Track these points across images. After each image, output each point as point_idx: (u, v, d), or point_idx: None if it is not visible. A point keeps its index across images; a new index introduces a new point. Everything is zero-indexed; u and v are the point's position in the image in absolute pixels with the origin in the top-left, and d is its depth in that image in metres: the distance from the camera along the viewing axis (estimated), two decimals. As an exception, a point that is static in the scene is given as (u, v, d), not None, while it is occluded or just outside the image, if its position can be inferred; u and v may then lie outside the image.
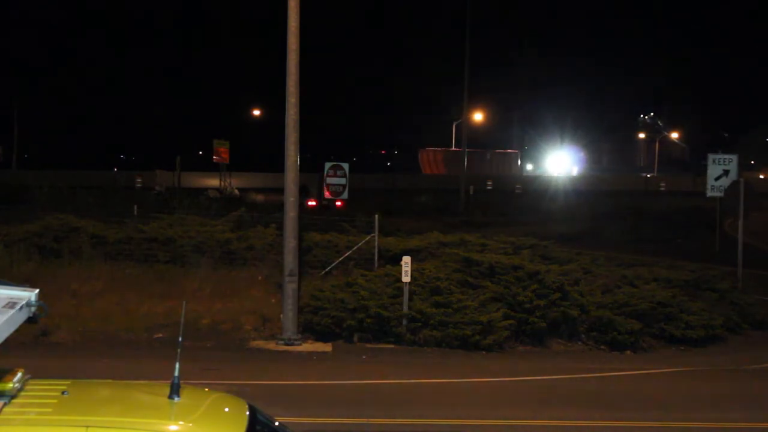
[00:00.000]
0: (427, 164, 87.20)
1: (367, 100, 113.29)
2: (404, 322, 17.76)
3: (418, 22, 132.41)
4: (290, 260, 17.66)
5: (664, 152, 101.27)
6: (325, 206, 35.74)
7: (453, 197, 51.32)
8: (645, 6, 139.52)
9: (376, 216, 21.63)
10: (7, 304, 5.08)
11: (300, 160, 18.06)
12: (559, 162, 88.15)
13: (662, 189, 67.03)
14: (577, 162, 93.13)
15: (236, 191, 55.78)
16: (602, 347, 18.33)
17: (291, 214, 17.80)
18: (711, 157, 28.36)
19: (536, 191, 60.66)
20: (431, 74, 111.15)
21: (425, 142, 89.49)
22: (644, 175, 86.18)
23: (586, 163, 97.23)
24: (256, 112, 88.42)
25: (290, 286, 17.53)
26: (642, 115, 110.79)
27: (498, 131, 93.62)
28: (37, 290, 5.32)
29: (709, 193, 28.33)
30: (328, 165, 29.88)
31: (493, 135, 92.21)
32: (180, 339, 5.89)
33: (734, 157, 28.01)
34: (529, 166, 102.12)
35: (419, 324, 17.75)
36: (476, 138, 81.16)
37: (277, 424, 5.84)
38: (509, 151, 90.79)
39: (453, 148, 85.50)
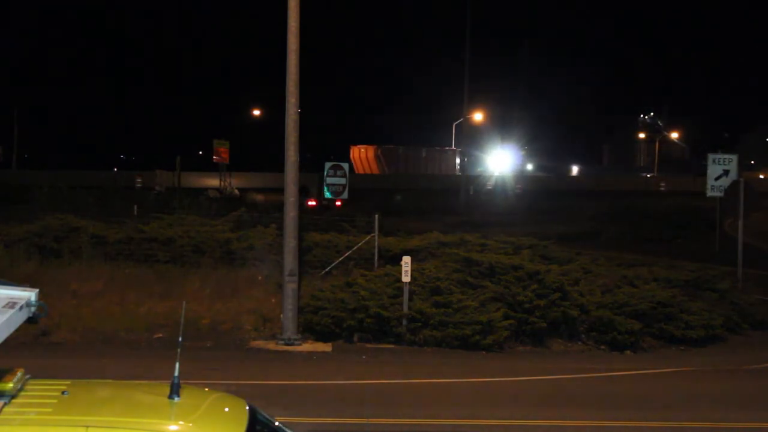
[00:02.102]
0: (359, 162, 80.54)
1: (366, 99, 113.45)
2: (404, 322, 17.76)
3: (417, 22, 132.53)
4: (290, 260, 17.66)
5: (664, 152, 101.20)
6: (325, 206, 35.73)
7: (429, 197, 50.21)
8: (646, 6, 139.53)
9: (377, 216, 21.64)
10: (7, 304, 5.08)
11: (300, 160, 18.06)
12: (500, 161, 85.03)
13: (662, 189, 67.02)
14: (517, 161, 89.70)
15: (236, 191, 55.79)
16: (602, 347, 18.33)
17: (291, 214, 17.80)
18: (711, 157, 28.35)
19: (476, 190, 58.78)
20: (431, 74, 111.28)
21: (424, 142, 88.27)
22: (644, 175, 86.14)
23: (522, 161, 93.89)
24: (256, 112, 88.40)
25: (290, 286, 17.53)
26: (642, 115, 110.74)
27: (494, 131, 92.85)
28: (37, 290, 5.32)
29: (709, 193, 28.32)
30: (328, 165, 29.86)
31: (490, 135, 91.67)
32: (180, 339, 5.90)
33: (734, 157, 28.00)
34: (529, 166, 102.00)
35: (419, 324, 17.75)
36: (477, 137, 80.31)
37: (277, 424, 5.84)
38: (447, 148, 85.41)
39: (386, 145, 80.00)
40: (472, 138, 68.34)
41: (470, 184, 58.72)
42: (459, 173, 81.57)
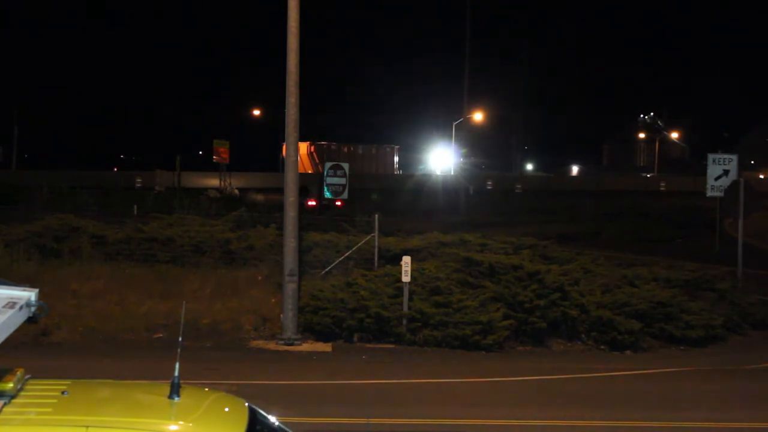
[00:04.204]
0: None
1: (363, 98, 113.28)
2: (404, 322, 17.76)
3: (413, 21, 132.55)
4: (290, 260, 17.66)
5: (664, 152, 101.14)
6: (325, 206, 35.74)
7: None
8: (646, 5, 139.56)
9: (376, 216, 21.61)
10: (7, 304, 5.07)
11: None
12: (441, 159, 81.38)
13: (662, 189, 66.95)
14: (457, 159, 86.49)
15: (236, 191, 55.73)
16: (602, 347, 18.34)
17: (291, 214, 17.80)
18: (711, 157, 28.35)
19: (413, 189, 55.71)
20: (429, 74, 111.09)
21: (423, 141, 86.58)
22: (644, 175, 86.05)
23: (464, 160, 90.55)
24: (256, 112, 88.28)
25: (290, 286, 17.52)
26: (642, 115, 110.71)
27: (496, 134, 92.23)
28: (37, 290, 5.31)
29: (709, 193, 28.32)
30: (328, 165, 29.91)
31: (492, 136, 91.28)
32: (180, 339, 5.90)
33: (734, 157, 28.00)
34: (529, 166, 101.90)
35: (419, 324, 17.75)
36: (477, 139, 79.40)
37: (277, 424, 5.83)
38: (386, 145, 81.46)
39: (318, 142, 74.99)
40: (469, 136, 67.31)
41: (470, 183, 58.58)
42: (398, 171, 78.02)
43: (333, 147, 76.00)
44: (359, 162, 74.06)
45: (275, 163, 69.84)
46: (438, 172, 73.50)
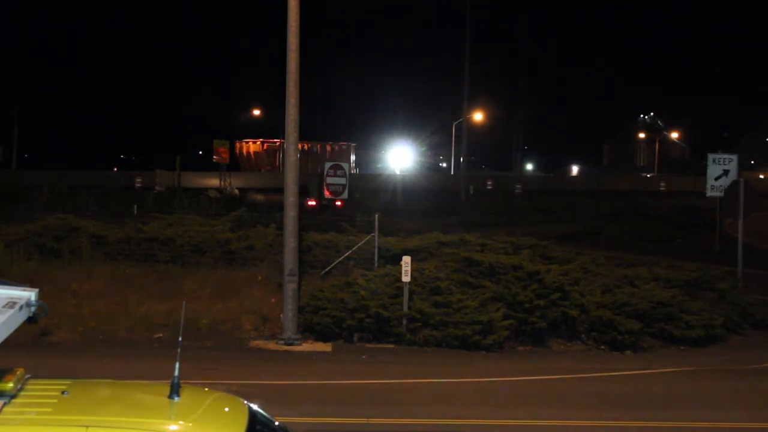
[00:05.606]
0: (245, 159, 73.04)
1: (362, 98, 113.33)
2: (404, 322, 17.76)
3: (411, 21, 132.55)
4: (290, 260, 17.66)
5: (664, 152, 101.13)
6: (325, 206, 35.72)
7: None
8: (646, 5, 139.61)
9: (377, 216, 21.61)
10: (7, 304, 5.07)
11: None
12: (399, 158, 78.06)
13: (662, 189, 66.91)
14: (417, 158, 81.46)
15: (236, 191, 55.69)
16: (602, 347, 18.34)
17: (291, 214, 17.80)
18: (711, 157, 28.33)
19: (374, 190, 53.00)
20: (402, 73, 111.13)
21: (381, 140, 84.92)
22: (644, 175, 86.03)
23: (423, 159, 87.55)
24: (256, 112, 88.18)
25: (290, 286, 17.53)
26: (642, 115, 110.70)
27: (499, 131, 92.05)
28: (36, 290, 5.31)
29: (709, 193, 28.31)
30: (327, 165, 29.87)
31: (493, 136, 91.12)
32: (180, 339, 5.89)
33: (734, 157, 27.98)
34: (529, 166, 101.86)
35: (419, 324, 17.75)
36: (477, 139, 79.11)
37: (277, 424, 5.83)
38: (342, 143, 78.56)
39: (271, 140, 72.10)
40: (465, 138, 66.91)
41: (470, 183, 58.51)
42: (355, 170, 74.35)
43: (285, 146, 74.72)
44: (318, 160, 73.10)
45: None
46: (398, 171, 72.47)
